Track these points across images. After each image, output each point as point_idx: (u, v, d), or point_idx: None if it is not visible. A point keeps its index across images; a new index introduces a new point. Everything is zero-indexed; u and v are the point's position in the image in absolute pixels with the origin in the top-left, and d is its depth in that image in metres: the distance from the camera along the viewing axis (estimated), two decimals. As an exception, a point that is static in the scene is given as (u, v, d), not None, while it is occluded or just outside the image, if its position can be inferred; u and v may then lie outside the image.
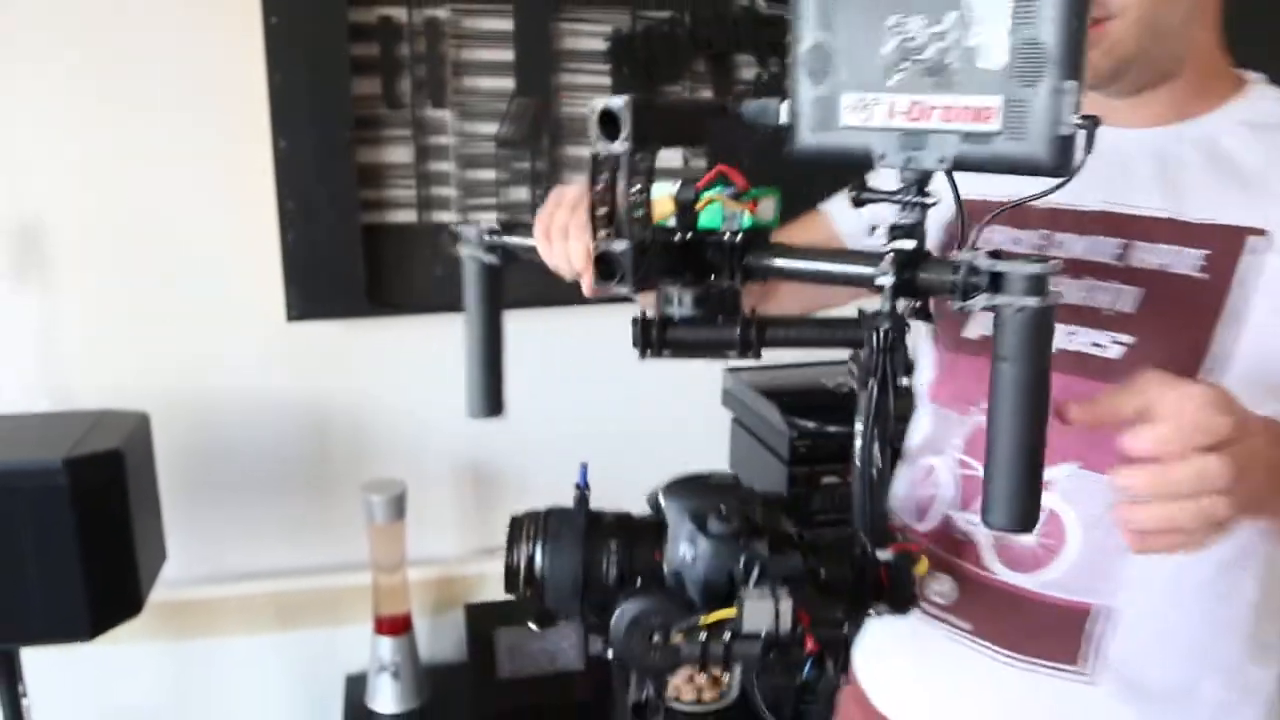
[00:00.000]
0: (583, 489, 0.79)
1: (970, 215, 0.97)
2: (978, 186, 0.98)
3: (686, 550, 0.72)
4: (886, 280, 0.63)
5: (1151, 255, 0.89)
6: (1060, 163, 0.57)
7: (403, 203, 1.85)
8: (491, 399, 0.90)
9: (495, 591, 1.94)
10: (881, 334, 0.65)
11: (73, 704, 1.81)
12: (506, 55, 1.83)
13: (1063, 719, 0.94)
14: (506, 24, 1.81)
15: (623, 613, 0.70)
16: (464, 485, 1.99)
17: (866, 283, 0.64)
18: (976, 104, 0.57)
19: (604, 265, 0.67)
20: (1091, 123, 0.57)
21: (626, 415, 1.97)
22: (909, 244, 0.63)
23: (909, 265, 0.62)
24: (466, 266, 0.86)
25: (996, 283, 0.58)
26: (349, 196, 1.78)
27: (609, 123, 0.63)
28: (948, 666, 0.99)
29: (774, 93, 0.65)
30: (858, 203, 0.67)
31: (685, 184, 0.70)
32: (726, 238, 0.70)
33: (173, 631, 1.83)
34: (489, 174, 1.87)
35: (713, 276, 0.71)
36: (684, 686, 1.87)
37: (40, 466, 1.35)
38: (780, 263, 0.71)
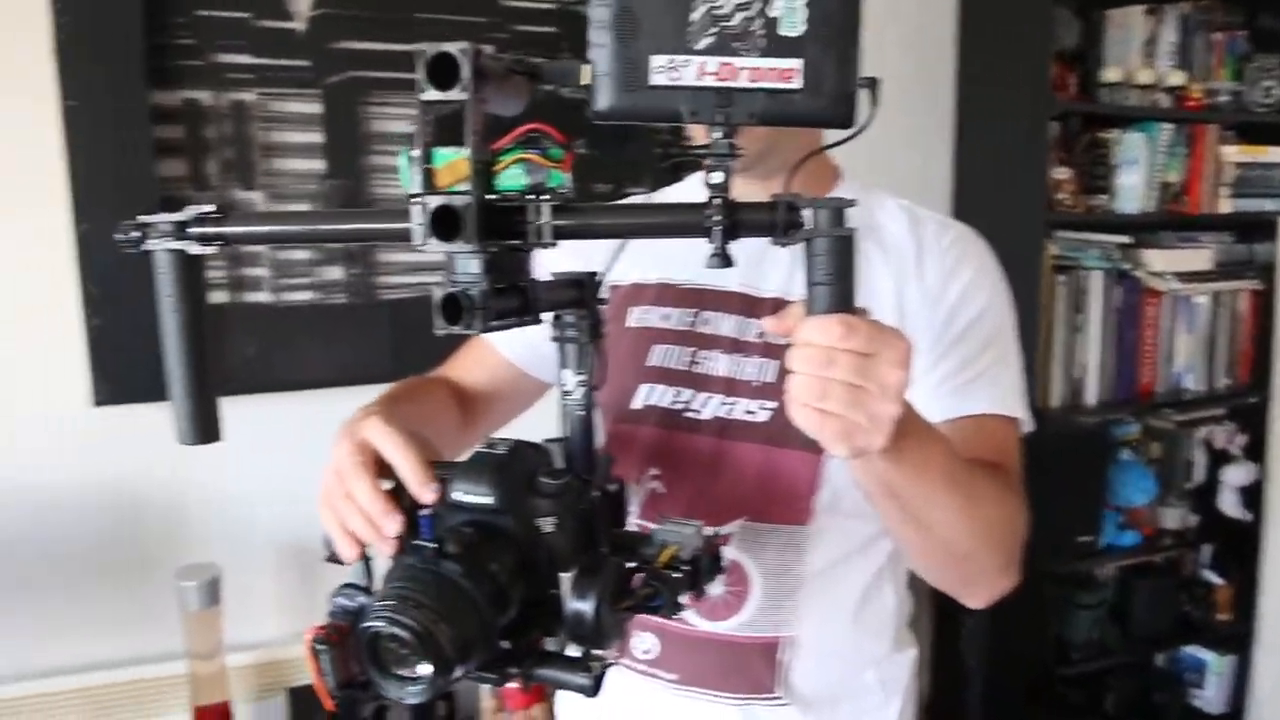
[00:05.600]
0: None
1: (628, 296, 1.07)
2: (635, 271, 1.06)
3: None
4: (717, 225, 0.66)
5: None
6: (848, 116, 0.66)
7: (214, 283, 1.83)
8: (203, 424, 0.78)
9: (320, 672, 1.92)
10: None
11: None
12: (316, 138, 1.86)
13: None
14: (315, 107, 1.85)
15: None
16: (285, 566, 1.96)
17: (694, 230, 0.67)
18: (780, 66, 0.64)
19: (445, 220, 0.62)
20: (870, 82, 0.66)
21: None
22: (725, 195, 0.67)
23: (733, 210, 0.67)
24: (163, 263, 0.73)
25: (808, 218, 0.66)
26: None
27: (442, 70, 0.61)
28: (659, 714, 1.04)
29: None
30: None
31: (481, 145, 0.66)
32: (533, 198, 0.68)
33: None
34: (302, 254, 1.89)
35: (518, 240, 0.68)
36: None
37: None
38: (598, 220, 0.72)
